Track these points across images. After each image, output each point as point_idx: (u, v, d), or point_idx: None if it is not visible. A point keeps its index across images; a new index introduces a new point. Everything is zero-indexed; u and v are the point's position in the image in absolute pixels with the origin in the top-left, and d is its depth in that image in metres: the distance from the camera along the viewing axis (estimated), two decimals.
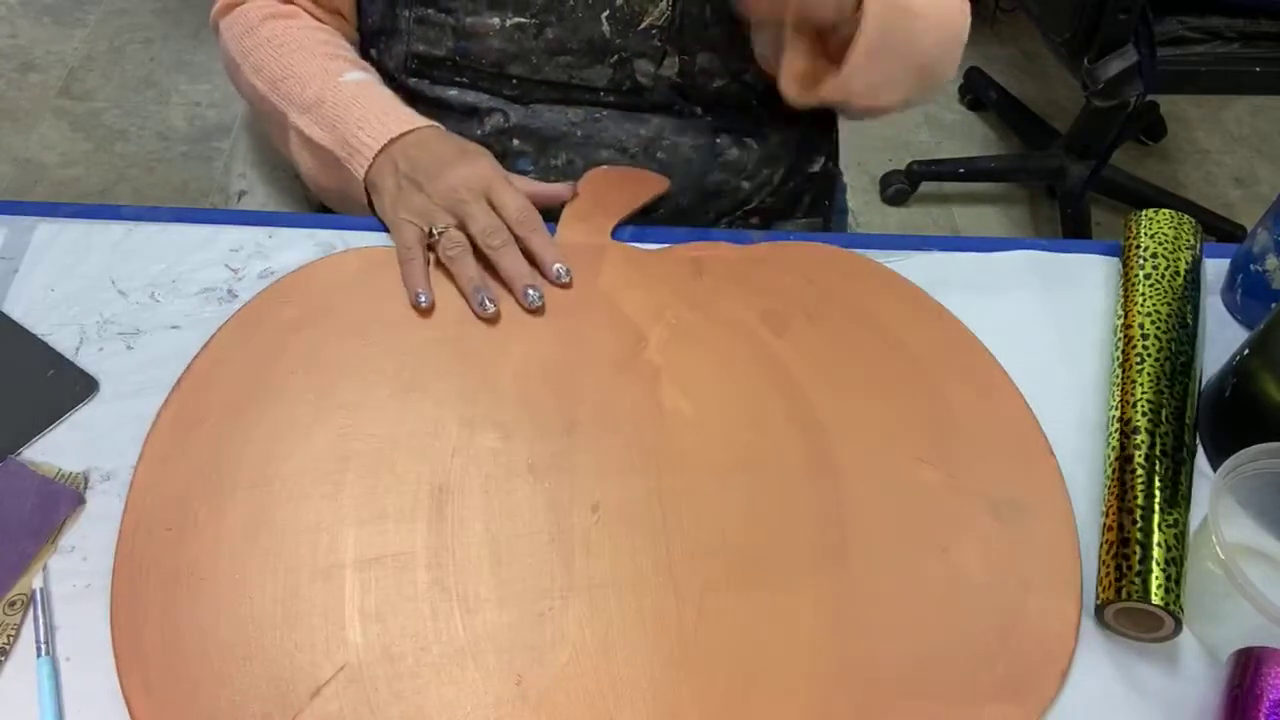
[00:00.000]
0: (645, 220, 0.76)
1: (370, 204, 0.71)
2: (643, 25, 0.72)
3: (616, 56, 0.74)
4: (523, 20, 0.73)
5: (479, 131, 0.77)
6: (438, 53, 0.75)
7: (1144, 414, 0.59)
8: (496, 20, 0.73)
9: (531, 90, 0.76)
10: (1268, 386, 0.59)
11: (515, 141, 0.77)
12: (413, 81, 0.77)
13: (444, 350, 0.64)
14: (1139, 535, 0.54)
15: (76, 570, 0.54)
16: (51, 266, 0.67)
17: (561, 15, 0.72)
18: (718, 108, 0.78)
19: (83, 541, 0.55)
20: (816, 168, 0.88)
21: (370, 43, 0.78)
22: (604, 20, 0.72)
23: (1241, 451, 0.55)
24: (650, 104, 0.76)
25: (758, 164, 0.82)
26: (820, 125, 0.88)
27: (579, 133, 0.77)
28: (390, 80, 0.78)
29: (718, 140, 0.79)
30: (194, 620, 0.52)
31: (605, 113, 0.77)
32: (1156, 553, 0.53)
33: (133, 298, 0.66)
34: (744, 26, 0.73)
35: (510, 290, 0.65)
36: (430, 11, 0.73)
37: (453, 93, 0.77)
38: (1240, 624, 0.51)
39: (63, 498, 0.56)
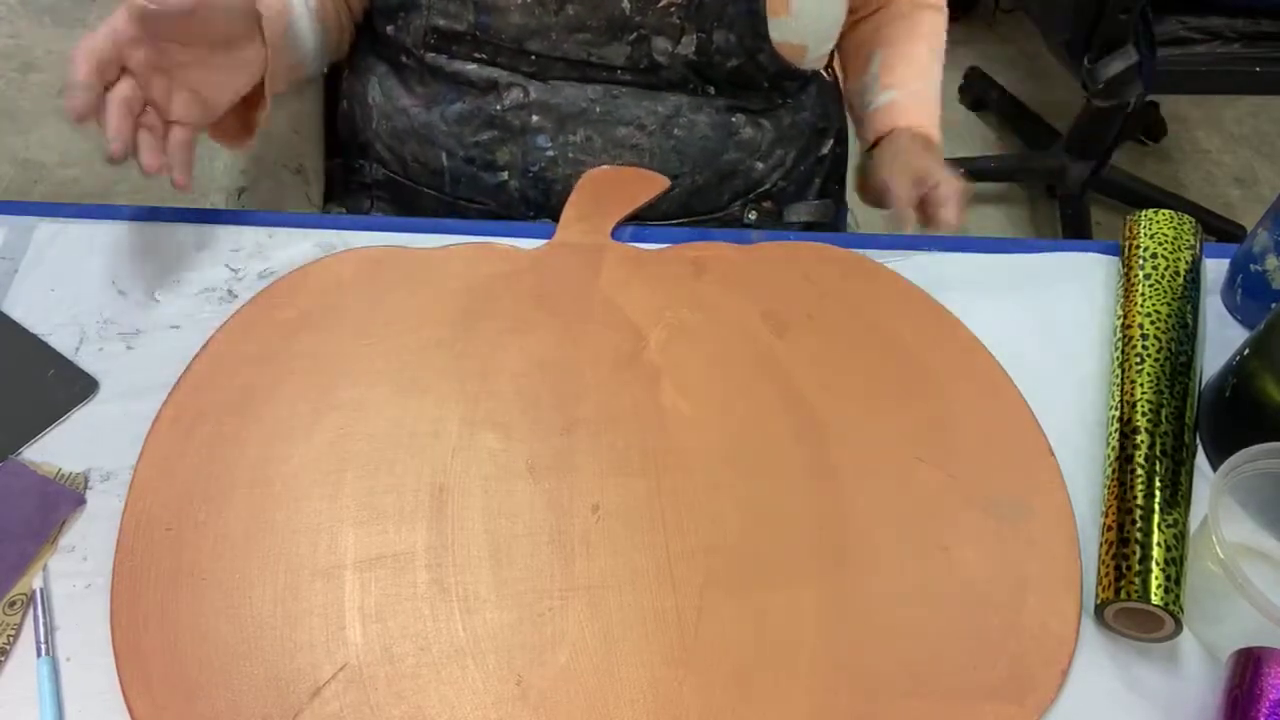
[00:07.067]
0: (661, 199, 0.76)
1: None
2: (662, 2, 0.73)
3: (635, 34, 0.74)
4: None
5: (498, 106, 0.77)
6: (457, 27, 0.74)
7: (1144, 414, 0.59)
8: None
9: (549, 67, 0.76)
10: (1268, 386, 0.59)
11: (534, 117, 0.77)
12: (430, 56, 0.77)
13: (444, 350, 0.64)
14: (1139, 535, 0.54)
15: (76, 570, 0.54)
16: (51, 266, 0.67)
17: None
18: (731, 87, 0.78)
19: (83, 541, 0.55)
20: (826, 150, 0.89)
21: (388, 17, 0.77)
22: None
23: (1241, 451, 0.55)
24: (666, 82, 0.77)
25: (771, 144, 0.82)
26: (829, 110, 0.88)
27: (597, 109, 0.77)
28: (408, 55, 0.78)
29: (733, 119, 0.79)
30: (194, 620, 0.52)
31: (623, 90, 0.77)
32: (1156, 553, 0.53)
33: (133, 298, 0.66)
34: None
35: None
36: None
37: (471, 68, 0.76)
38: (1240, 624, 0.51)
39: (63, 498, 0.56)
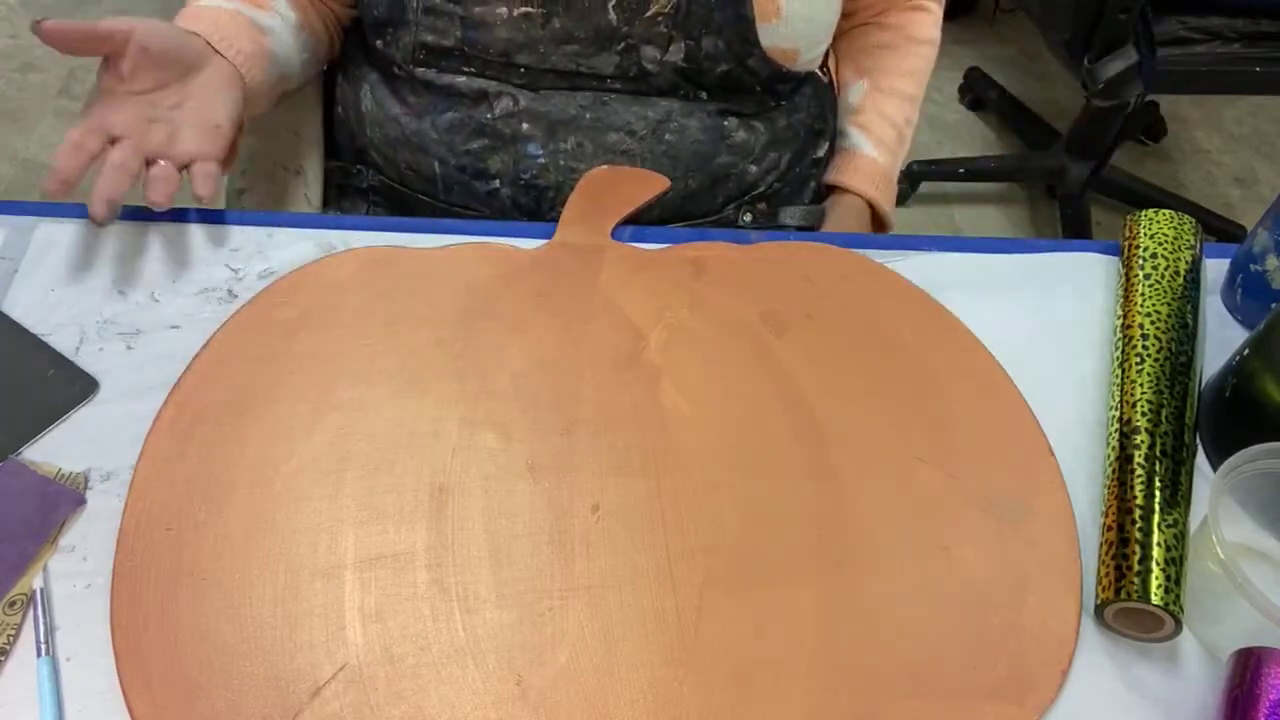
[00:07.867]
0: (655, 203, 0.76)
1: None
2: (649, 12, 0.73)
3: (623, 44, 0.74)
4: (530, 10, 0.73)
5: (489, 115, 0.77)
6: (445, 43, 0.75)
7: (1144, 414, 0.59)
8: (504, 10, 0.73)
9: (539, 78, 0.76)
10: (1268, 386, 0.59)
11: (525, 125, 0.77)
12: (420, 71, 0.77)
13: (444, 350, 0.64)
14: (1139, 535, 0.54)
15: (76, 570, 0.54)
16: (51, 266, 0.67)
17: (569, 4, 0.73)
18: (723, 91, 0.78)
19: (83, 541, 0.55)
20: (821, 153, 0.88)
21: (377, 33, 0.78)
22: (610, 9, 0.73)
23: (1241, 451, 0.55)
24: (656, 89, 0.77)
25: (765, 147, 0.82)
26: (825, 111, 0.88)
27: (588, 116, 0.77)
28: (398, 69, 0.78)
29: (725, 123, 0.79)
30: (194, 620, 0.52)
31: (613, 96, 0.77)
32: (1156, 553, 0.53)
33: (133, 298, 0.66)
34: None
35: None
36: (438, 1, 0.73)
37: (461, 80, 0.77)
38: (1240, 624, 0.51)
39: (63, 498, 0.56)
